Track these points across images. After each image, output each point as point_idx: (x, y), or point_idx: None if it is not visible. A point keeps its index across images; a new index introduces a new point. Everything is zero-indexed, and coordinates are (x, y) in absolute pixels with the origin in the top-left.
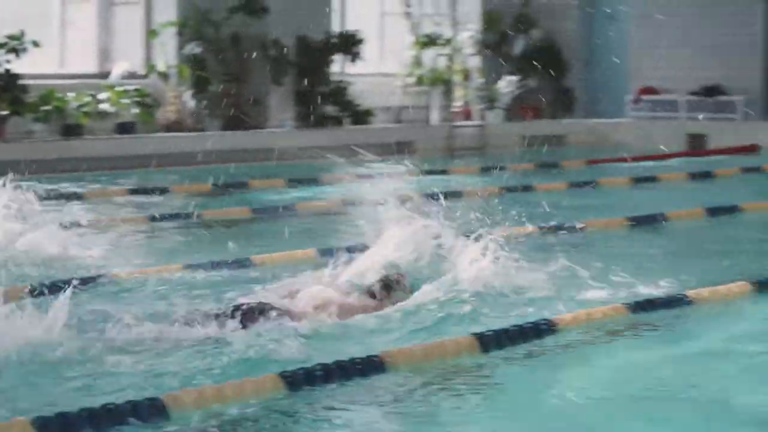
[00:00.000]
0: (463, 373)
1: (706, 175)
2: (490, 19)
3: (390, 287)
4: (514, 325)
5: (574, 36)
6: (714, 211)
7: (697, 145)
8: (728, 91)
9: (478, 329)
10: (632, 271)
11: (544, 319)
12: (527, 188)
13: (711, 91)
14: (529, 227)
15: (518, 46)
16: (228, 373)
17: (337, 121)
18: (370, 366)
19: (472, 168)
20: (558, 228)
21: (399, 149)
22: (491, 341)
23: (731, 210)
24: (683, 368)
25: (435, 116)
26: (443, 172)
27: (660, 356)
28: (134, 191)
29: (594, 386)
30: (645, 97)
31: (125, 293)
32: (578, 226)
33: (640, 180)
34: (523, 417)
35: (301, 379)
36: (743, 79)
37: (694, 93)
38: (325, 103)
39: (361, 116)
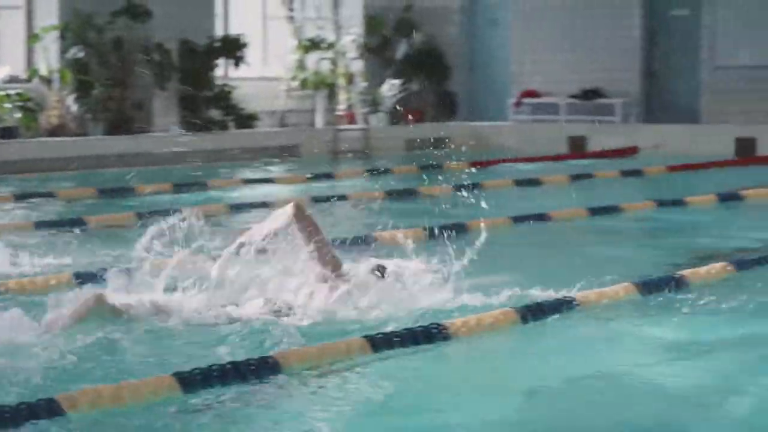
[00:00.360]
0: (356, 374)
1: (587, 177)
2: (372, 23)
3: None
4: (406, 329)
5: (456, 40)
6: (596, 212)
7: (577, 148)
8: (607, 94)
9: (369, 331)
10: (520, 274)
11: (435, 324)
12: (411, 191)
13: (590, 94)
14: (416, 230)
15: (400, 50)
16: None
17: (222, 126)
18: (264, 366)
19: (357, 171)
20: (444, 230)
21: (284, 153)
22: (382, 344)
23: (612, 210)
24: (572, 371)
25: (319, 120)
26: (328, 175)
27: (548, 360)
28: (19, 197)
29: (482, 391)
30: (526, 100)
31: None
32: (465, 227)
33: (523, 182)
34: (411, 418)
35: (197, 380)
36: (622, 82)
37: (574, 96)
38: (209, 107)
39: (245, 120)
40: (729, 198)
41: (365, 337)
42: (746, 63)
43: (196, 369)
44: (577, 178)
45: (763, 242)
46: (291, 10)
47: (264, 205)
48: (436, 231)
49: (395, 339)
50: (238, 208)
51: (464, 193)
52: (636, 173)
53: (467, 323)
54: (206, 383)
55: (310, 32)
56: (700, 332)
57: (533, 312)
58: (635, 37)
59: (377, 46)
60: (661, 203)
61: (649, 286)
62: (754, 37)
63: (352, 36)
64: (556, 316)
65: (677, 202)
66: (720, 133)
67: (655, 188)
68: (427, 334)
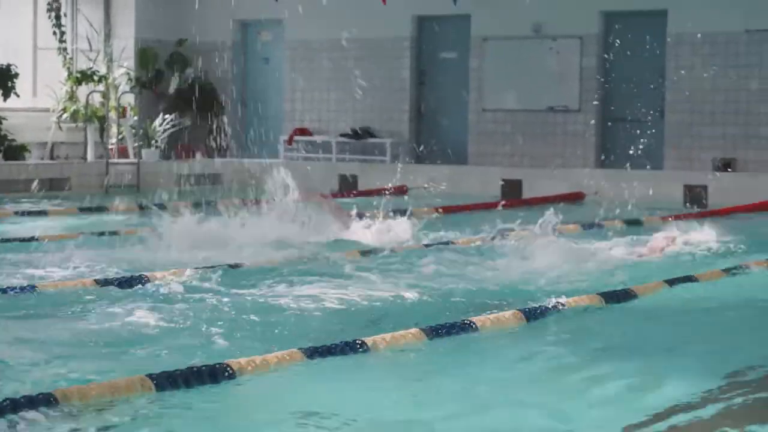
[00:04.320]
0: (137, 413)
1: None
2: (144, 57)
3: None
4: (190, 367)
5: (229, 76)
6: (365, 253)
7: (348, 186)
8: (378, 134)
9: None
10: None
11: (220, 363)
12: None
13: (361, 133)
14: (189, 270)
15: (173, 85)
16: None
17: None
18: (40, 403)
19: (128, 206)
20: (213, 269)
21: (54, 185)
22: (165, 381)
23: (379, 251)
24: (355, 416)
25: (91, 153)
26: (100, 209)
27: (332, 403)
28: None
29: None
30: (299, 137)
31: None
32: (239, 265)
33: None
34: None
35: None
36: (392, 122)
37: (344, 135)
38: None
39: (15, 151)
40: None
41: (148, 375)
42: (512, 107)
43: None
44: None
45: (527, 283)
46: (62, 41)
47: (33, 239)
48: (208, 269)
49: (179, 377)
50: (7, 241)
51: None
52: (404, 213)
53: (252, 362)
54: None
55: (82, 64)
56: (486, 379)
57: (321, 353)
58: (405, 78)
59: (149, 80)
60: (428, 245)
61: (437, 331)
62: (518, 81)
63: (124, 69)
64: (345, 356)
65: (446, 244)
66: (486, 175)
67: (424, 229)
68: (212, 374)
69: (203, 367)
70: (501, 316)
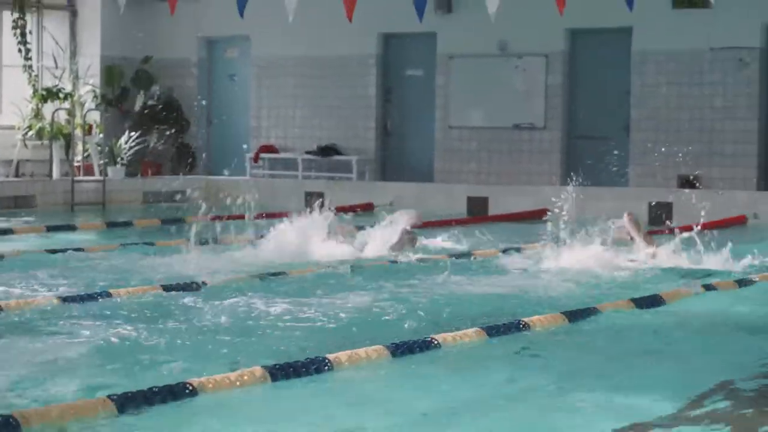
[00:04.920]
0: None
1: None
2: (110, 74)
3: None
4: (150, 387)
5: (195, 93)
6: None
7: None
8: (344, 151)
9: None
10: (267, 329)
11: (181, 382)
12: (149, 244)
13: (326, 150)
14: (153, 286)
15: (139, 102)
16: None
17: None
18: (4, 427)
19: (95, 224)
20: (180, 288)
21: (20, 203)
22: (127, 402)
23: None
24: None
25: (56, 170)
26: (68, 227)
27: (299, 422)
28: None
29: None
30: (265, 155)
31: None
32: (202, 282)
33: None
34: None
35: None
36: (358, 139)
37: (310, 152)
38: None
39: None
40: (461, 257)
41: (109, 396)
42: (477, 124)
43: None
44: None
45: (495, 302)
46: (28, 58)
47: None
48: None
49: (141, 397)
50: None
51: (203, 248)
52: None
53: (213, 380)
54: None
55: (48, 81)
56: (449, 396)
57: (285, 372)
58: (371, 95)
59: (115, 98)
60: (392, 262)
61: (401, 349)
62: (484, 99)
63: (89, 86)
64: (310, 376)
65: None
66: (452, 192)
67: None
68: (172, 393)
69: (164, 387)
70: (464, 334)
